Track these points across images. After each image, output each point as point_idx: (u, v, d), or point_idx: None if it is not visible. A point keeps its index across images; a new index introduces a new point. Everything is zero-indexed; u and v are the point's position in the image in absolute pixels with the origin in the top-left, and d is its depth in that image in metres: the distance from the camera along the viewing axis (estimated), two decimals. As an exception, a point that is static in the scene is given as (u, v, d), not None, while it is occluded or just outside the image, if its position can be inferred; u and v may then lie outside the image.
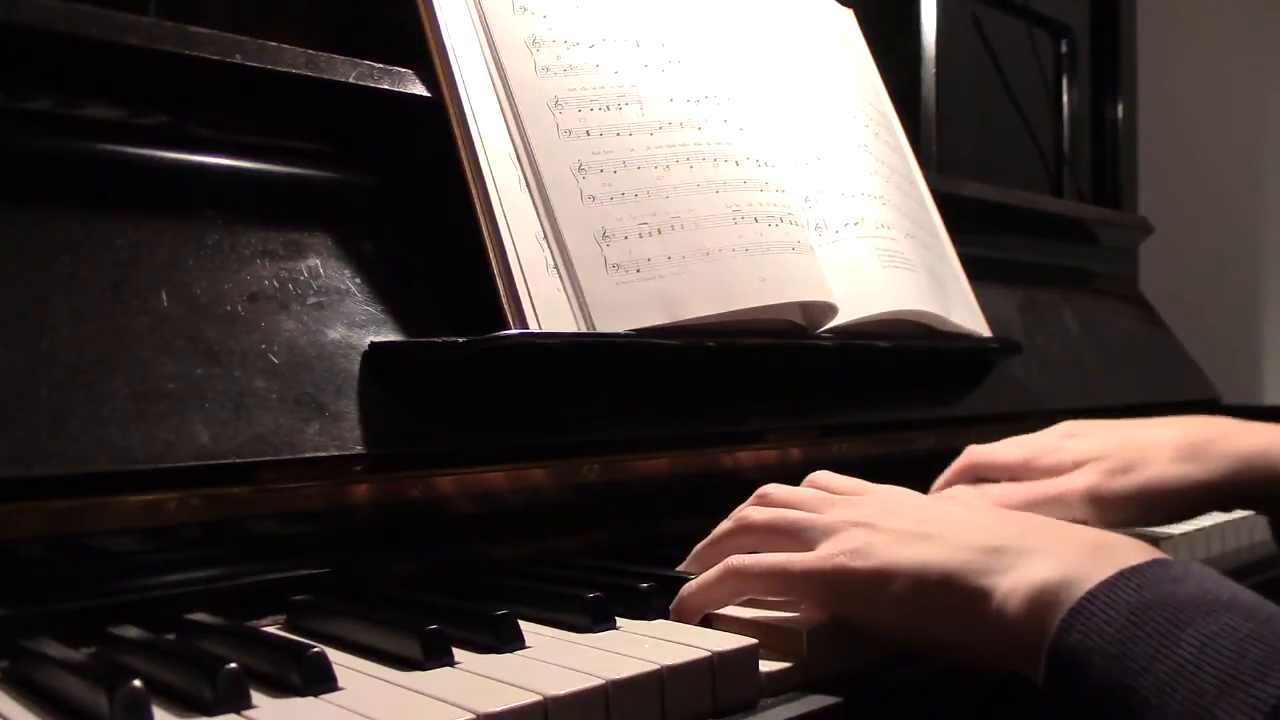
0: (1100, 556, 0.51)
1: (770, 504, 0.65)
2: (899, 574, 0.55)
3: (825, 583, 0.57)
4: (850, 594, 0.56)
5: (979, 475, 0.87)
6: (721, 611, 0.60)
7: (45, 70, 0.62)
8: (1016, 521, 0.57)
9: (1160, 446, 0.81)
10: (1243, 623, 0.46)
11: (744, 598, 0.59)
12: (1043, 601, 0.50)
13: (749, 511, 0.64)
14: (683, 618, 0.60)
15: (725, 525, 0.65)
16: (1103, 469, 0.80)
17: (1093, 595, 0.49)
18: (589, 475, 0.77)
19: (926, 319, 0.96)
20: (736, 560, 0.59)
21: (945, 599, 0.54)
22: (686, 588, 0.60)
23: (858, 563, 0.56)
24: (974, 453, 0.88)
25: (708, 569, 0.64)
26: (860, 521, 0.59)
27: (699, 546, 0.66)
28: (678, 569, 0.66)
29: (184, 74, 0.67)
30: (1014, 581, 0.52)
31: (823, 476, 0.68)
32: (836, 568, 0.57)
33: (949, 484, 0.88)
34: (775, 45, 0.98)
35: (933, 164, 1.30)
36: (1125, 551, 0.52)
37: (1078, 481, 0.80)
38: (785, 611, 0.59)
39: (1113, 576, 0.49)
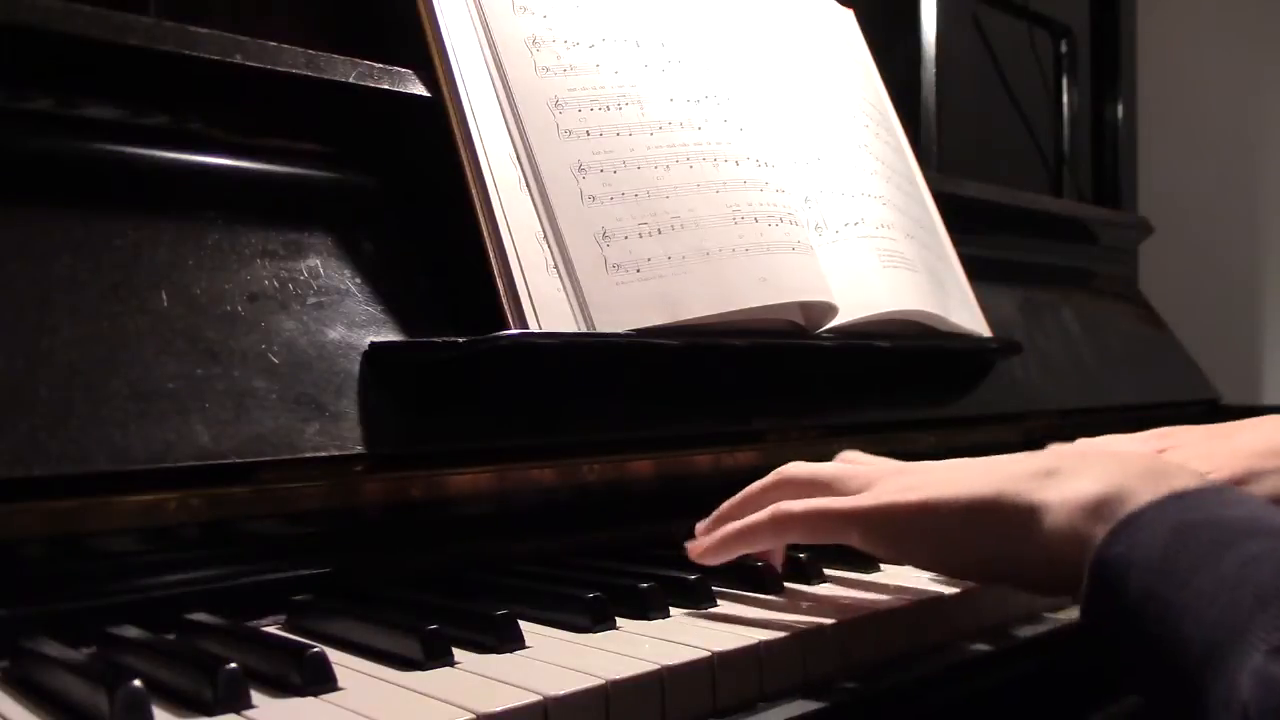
0: (1152, 478, 0.51)
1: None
2: (951, 501, 0.55)
3: (875, 519, 0.57)
4: (900, 528, 0.57)
5: None
6: (720, 610, 0.60)
7: (45, 70, 0.62)
8: (1070, 450, 0.58)
9: (1272, 452, 0.76)
10: None
11: (784, 543, 0.61)
12: (1093, 514, 0.50)
13: (788, 466, 0.65)
14: (710, 560, 0.61)
15: (761, 482, 0.65)
16: (1225, 479, 0.74)
17: (1141, 511, 0.49)
18: (589, 475, 0.77)
19: (926, 319, 0.96)
20: (785, 505, 0.60)
21: (996, 518, 0.54)
22: (729, 528, 0.61)
23: (905, 496, 0.57)
24: None
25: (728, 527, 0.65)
26: (903, 469, 0.60)
27: (728, 503, 0.66)
28: (698, 525, 0.66)
29: (184, 74, 0.67)
30: (1064, 495, 0.52)
31: (847, 454, 0.70)
32: (886, 504, 0.57)
33: None
34: (775, 45, 0.98)
35: (933, 164, 1.30)
36: (1179, 476, 0.52)
37: None
38: (786, 615, 0.59)
39: (1164, 496, 0.49)
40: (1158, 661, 0.46)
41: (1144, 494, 0.50)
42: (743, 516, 0.64)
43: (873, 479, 0.61)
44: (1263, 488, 0.75)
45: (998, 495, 0.54)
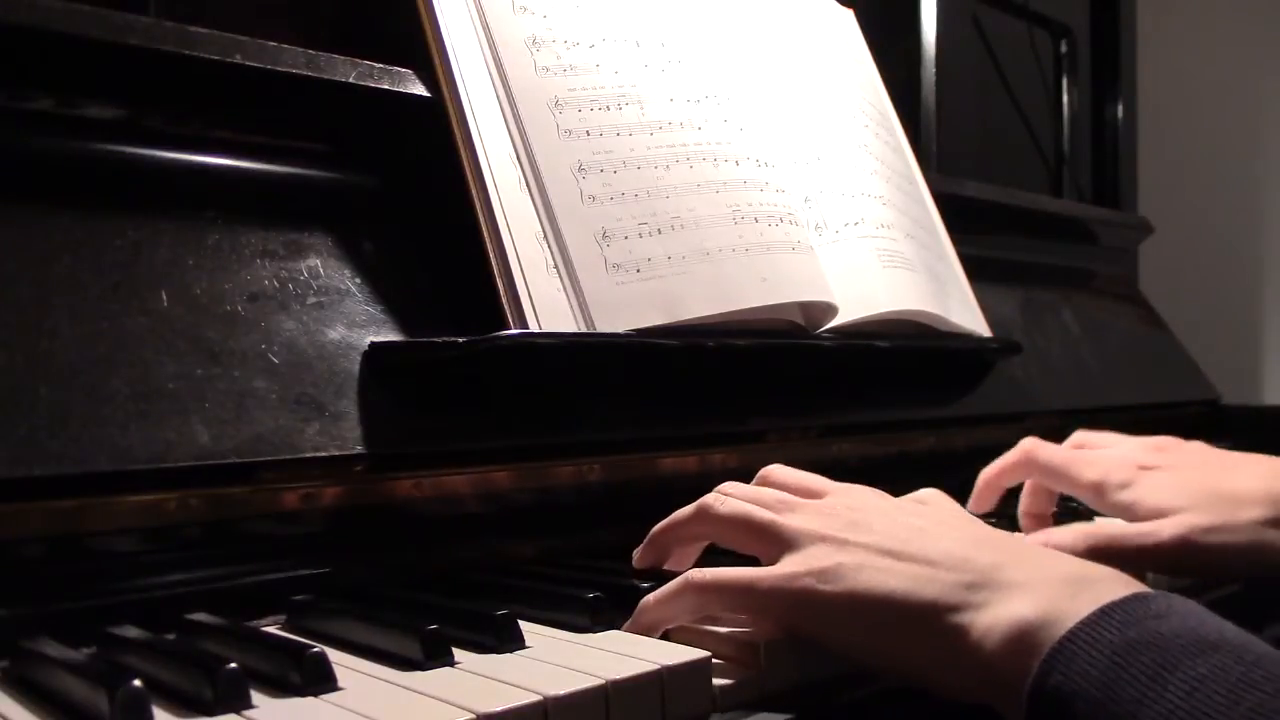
0: (1080, 591, 0.50)
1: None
2: (869, 602, 0.52)
3: (792, 604, 0.54)
4: (817, 618, 0.54)
5: (1034, 474, 0.84)
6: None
7: (45, 70, 0.62)
8: (991, 547, 0.55)
9: (1251, 503, 0.73)
10: (1233, 664, 0.44)
11: (704, 614, 0.57)
12: (1022, 641, 0.49)
13: (712, 501, 0.62)
14: (641, 632, 0.57)
15: (685, 511, 0.63)
16: (1189, 524, 0.72)
17: (1073, 635, 0.47)
18: (589, 475, 0.77)
19: (926, 319, 0.96)
20: (697, 574, 0.56)
21: (919, 633, 0.52)
22: (644, 602, 0.57)
23: (826, 586, 0.53)
24: (1036, 450, 0.84)
25: (661, 556, 0.64)
26: (828, 535, 0.56)
27: (654, 530, 0.64)
28: (634, 558, 0.65)
29: (184, 74, 0.67)
30: (992, 618, 0.50)
31: (778, 472, 0.65)
32: (804, 589, 0.54)
33: (1004, 474, 0.86)
34: (775, 45, 0.98)
35: (933, 164, 1.30)
36: (1105, 585, 0.50)
37: (1162, 531, 0.73)
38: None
39: (1094, 614, 0.48)
40: None
41: (1073, 612, 0.48)
42: (659, 546, 0.63)
43: (798, 537, 0.56)
44: (1236, 536, 0.72)
45: (925, 608, 0.52)
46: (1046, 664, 0.47)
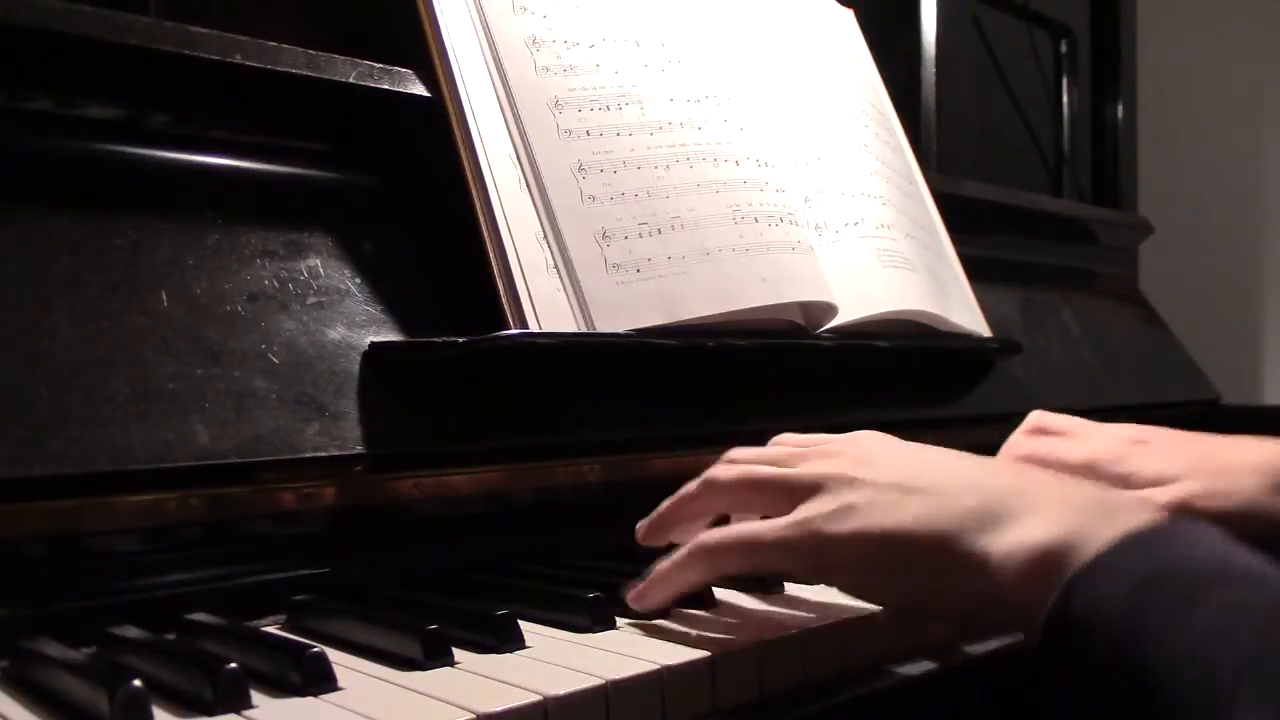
0: (1103, 516, 0.47)
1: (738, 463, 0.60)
2: (883, 537, 0.50)
3: (803, 551, 0.52)
4: (830, 560, 0.52)
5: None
6: (720, 610, 0.60)
7: (45, 70, 0.62)
8: (1010, 473, 0.53)
9: (1246, 471, 0.74)
10: (1262, 596, 0.43)
11: (719, 575, 0.55)
12: (1043, 566, 0.47)
13: (715, 470, 0.60)
14: (651, 604, 0.56)
15: (691, 485, 0.60)
16: (1188, 490, 0.73)
17: (1096, 561, 0.45)
18: (589, 475, 0.77)
19: (926, 319, 0.96)
20: (705, 537, 0.55)
21: (936, 564, 0.50)
22: (657, 570, 0.55)
23: (835, 526, 0.51)
24: (1040, 420, 0.83)
25: (668, 534, 0.61)
26: (837, 474, 0.53)
27: (661, 508, 0.61)
28: (639, 533, 0.63)
29: (184, 74, 0.67)
30: (1011, 543, 0.48)
31: (790, 436, 0.63)
32: (813, 533, 0.52)
33: None
34: (775, 45, 0.98)
35: (933, 164, 1.30)
36: (1130, 511, 0.48)
37: (1161, 499, 0.72)
38: (787, 613, 0.59)
39: (1118, 541, 0.46)
40: None
41: (1097, 537, 0.46)
42: (669, 525, 0.61)
43: (807, 483, 0.55)
44: (1232, 501, 0.72)
45: (941, 537, 0.50)
46: (1067, 590, 0.45)
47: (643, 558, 0.72)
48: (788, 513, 0.55)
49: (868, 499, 0.52)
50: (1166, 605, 0.43)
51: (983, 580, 0.49)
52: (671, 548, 0.58)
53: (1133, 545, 0.46)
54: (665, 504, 0.62)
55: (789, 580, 0.64)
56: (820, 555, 0.52)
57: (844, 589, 0.54)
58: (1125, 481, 0.76)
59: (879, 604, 0.54)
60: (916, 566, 0.50)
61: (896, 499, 0.51)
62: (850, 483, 0.53)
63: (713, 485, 0.59)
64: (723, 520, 0.62)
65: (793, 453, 0.59)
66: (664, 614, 0.59)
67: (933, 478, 0.52)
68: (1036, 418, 0.86)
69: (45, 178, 0.62)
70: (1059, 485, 0.52)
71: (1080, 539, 0.47)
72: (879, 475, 0.53)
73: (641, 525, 0.62)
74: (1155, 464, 0.76)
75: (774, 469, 0.57)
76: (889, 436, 0.61)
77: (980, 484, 0.52)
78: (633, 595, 0.56)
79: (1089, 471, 0.78)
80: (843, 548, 0.52)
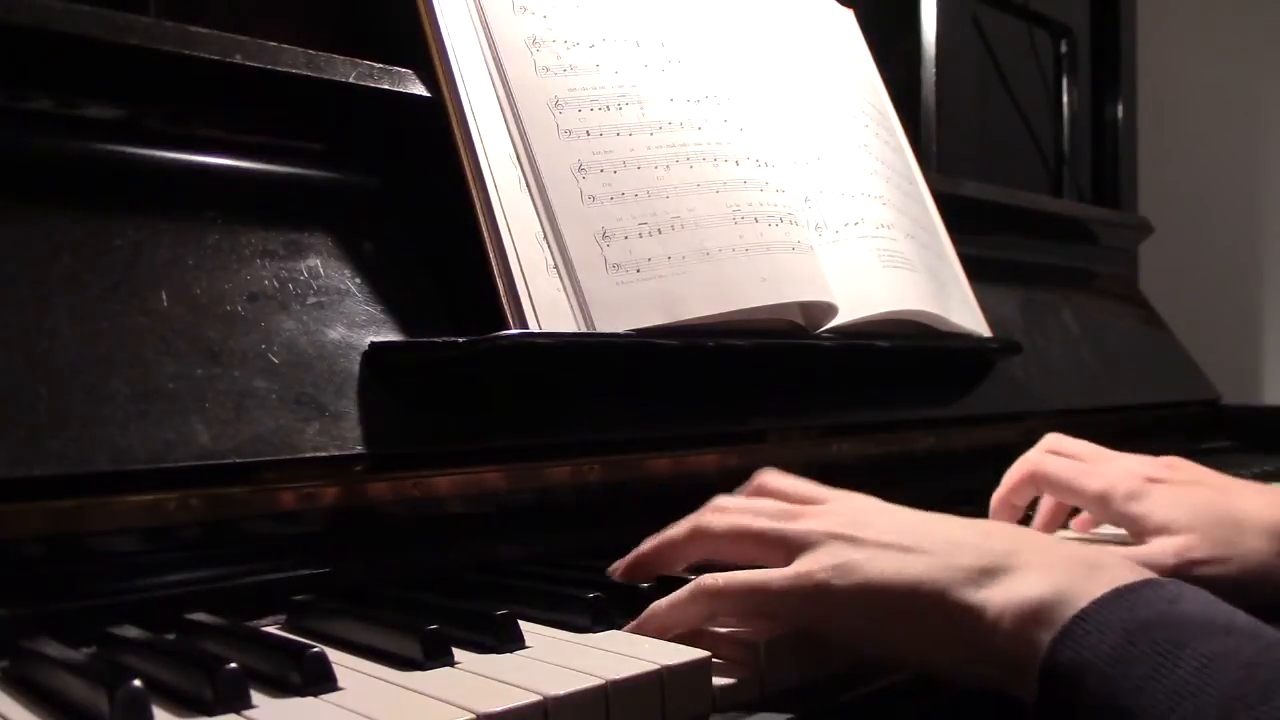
0: (1093, 574, 0.50)
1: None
2: (885, 591, 0.53)
3: (806, 603, 0.54)
4: (833, 613, 0.54)
5: (1041, 488, 0.83)
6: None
7: (45, 70, 0.62)
8: (1002, 535, 0.55)
9: (1257, 531, 0.73)
10: (1245, 645, 0.45)
11: (715, 618, 0.56)
12: (1035, 619, 0.49)
13: (708, 518, 0.60)
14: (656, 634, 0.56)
15: (677, 531, 0.61)
16: (1193, 547, 0.72)
17: (1086, 613, 0.48)
18: (589, 475, 0.77)
19: (926, 319, 0.96)
20: (709, 580, 0.56)
21: (934, 617, 0.52)
22: (654, 607, 0.56)
23: (840, 580, 0.53)
24: (1040, 464, 0.82)
25: (649, 576, 0.61)
26: (835, 533, 0.56)
27: (640, 550, 0.62)
28: (610, 573, 0.63)
29: (184, 74, 0.67)
30: (1006, 598, 0.51)
31: (772, 480, 0.64)
32: (819, 584, 0.54)
33: (1013, 492, 0.83)
34: (775, 45, 0.98)
35: (933, 164, 1.30)
36: (1118, 569, 0.51)
37: (1164, 557, 0.71)
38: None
39: (1108, 594, 0.49)
40: None
41: (1086, 593, 0.49)
42: (656, 567, 0.61)
43: (805, 539, 0.56)
44: (1236, 565, 0.72)
45: (941, 591, 0.52)
46: (1059, 640, 0.48)
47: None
48: (783, 566, 0.56)
49: (869, 555, 0.54)
50: (1151, 654, 0.45)
51: (980, 632, 0.51)
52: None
53: (1120, 599, 0.48)
54: (648, 545, 0.62)
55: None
56: (823, 607, 0.54)
57: (845, 642, 0.55)
58: (1135, 522, 0.76)
59: (876, 658, 0.56)
60: (917, 619, 0.53)
61: (897, 556, 0.54)
62: (850, 540, 0.55)
63: (704, 533, 0.60)
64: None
65: (785, 509, 0.60)
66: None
67: (929, 537, 0.55)
68: (1053, 441, 0.86)
69: (45, 178, 0.62)
70: (1050, 544, 0.55)
71: (1070, 593, 0.50)
72: (878, 535, 0.55)
73: (620, 565, 0.63)
74: (1165, 511, 0.75)
75: (772, 523, 0.58)
76: (877, 500, 0.62)
77: (975, 544, 0.54)
78: (628, 628, 0.57)
79: (1102, 504, 0.78)
80: (846, 600, 0.53)
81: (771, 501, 0.61)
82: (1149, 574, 0.51)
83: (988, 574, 0.52)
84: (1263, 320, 2.15)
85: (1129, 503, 0.77)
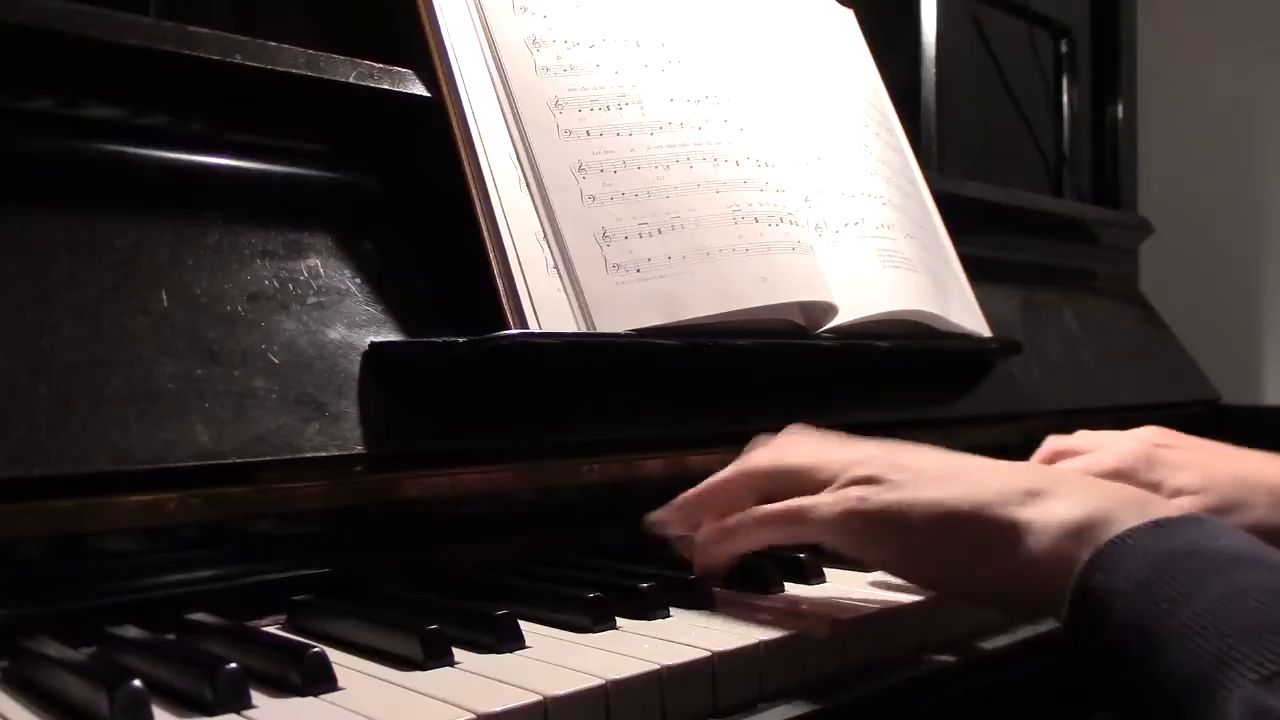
0: (1135, 505, 0.51)
1: None
2: (929, 508, 0.54)
3: (849, 525, 0.56)
4: (878, 533, 0.55)
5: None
6: (720, 610, 0.60)
7: (45, 70, 0.62)
8: (1048, 470, 0.57)
9: (1264, 489, 0.76)
10: (1274, 578, 0.45)
11: (766, 544, 0.59)
12: (1076, 535, 0.50)
13: (751, 457, 0.63)
14: (709, 570, 0.60)
15: (724, 473, 0.64)
16: (1209, 506, 0.74)
17: (1122, 537, 0.48)
18: (589, 475, 0.76)
19: (926, 319, 0.96)
20: (755, 510, 0.59)
21: (976, 533, 0.53)
22: (708, 535, 0.60)
23: (882, 500, 0.55)
24: (1055, 444, 0.85)
25: (691, 523, 0.64)
26: (874, 457, 0.58)
27: (687, 495, 0.65)
28: (654, 515, 0.66)
29: (184, 74, 0.67)
30: (1047, 517, 0.51)
31: (804, 428, 0.67)
32: (860, 505, 0.56)
33: None
34: (775, 45, 0.98)
35: (933, 164, 1.30)
36: (1160, 505, 0.52)
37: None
38: (786, 614, 0.59)
39: (1146, 523, 0.49)
40: (1144, 690, 0.45)
41: (1126, 520, 0.50)
42: (706, 506, 0.63)
43: (849, 469, 0.58)
44: (1246, 518, 0.73)
45: (977, 509, 0.53)
46: (1095, 560, 0.48)
47: (642, 557, 0.72)
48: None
49: (910, 479, 0.56)
50: (1182, 580, 0.45)
51: (1020, 550, 0.52)
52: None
53: (1157, 528, 0.49)
54: (700, 487, 0.65)
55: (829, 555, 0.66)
56: (864, 529, 0.56)
57: (884, 565, 0.57)
58: (1153, 489, 0.77)
59: (916, 581, 0.57)
60: (956, 538, 0.54)
61: (939, 479, 0.55)
62: (892, 466, 0.57)
63: (752, 471, 0.63)
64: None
65: (822, 445, 0.63)
66: (666, 614, 0.59)
67: (969, 469, 0.57)
68: (1051, 444, 0.87)
69: (45, 178, 0.62)
70: (1095, 480, 0.56)
71: (1110, 517, 0.50)
72: (919, 464, 0.57)
73: (667, 510, 0.66)
74: (1179, 475, 0.77)
75: (813, 458, 0.61)
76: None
77: (1019, 471, 0.56)
78: (698, 568, 0.61)
79: (1118, 478, 0.79)
80: (886, 521, 0.55)
81: (813, 437, 0.64)
82: (1192, 512, 0.51)
83: (1030, 495, 0.53)
84: (1262, 320, 2.15)
85: (1145, 471, 0.78)
